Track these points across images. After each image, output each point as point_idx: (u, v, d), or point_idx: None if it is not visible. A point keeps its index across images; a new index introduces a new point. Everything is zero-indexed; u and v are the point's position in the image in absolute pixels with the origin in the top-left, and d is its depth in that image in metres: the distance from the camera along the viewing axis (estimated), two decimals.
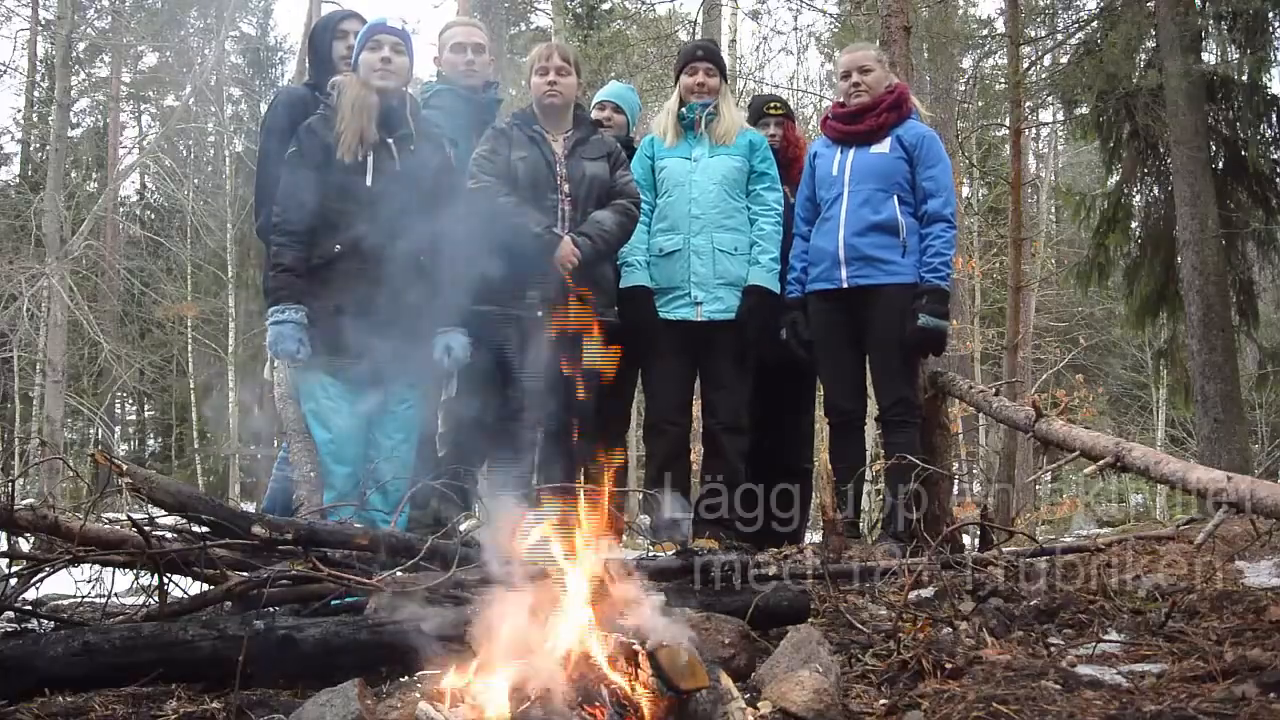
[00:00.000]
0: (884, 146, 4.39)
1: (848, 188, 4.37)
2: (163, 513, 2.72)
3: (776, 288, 4.46)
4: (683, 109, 4.56)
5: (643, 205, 4.43)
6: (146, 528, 2.65)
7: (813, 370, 4.74)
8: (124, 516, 2.90)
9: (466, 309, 3.86)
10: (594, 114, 4.82)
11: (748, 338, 4.45)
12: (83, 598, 3.12)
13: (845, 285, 4.33)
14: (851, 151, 4.42)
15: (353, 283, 3.59)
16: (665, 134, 4.57)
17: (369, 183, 3.63)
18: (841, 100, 4.59)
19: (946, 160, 4.48)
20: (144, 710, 2.04)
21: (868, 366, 4.58)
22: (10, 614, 2.70)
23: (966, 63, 14.26)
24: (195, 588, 2.74)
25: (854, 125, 4.43)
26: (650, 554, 3.73)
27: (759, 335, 4.48)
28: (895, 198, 4.33)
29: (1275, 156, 8.71)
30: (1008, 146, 10.40)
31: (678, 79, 4.68)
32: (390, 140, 3.70)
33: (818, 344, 4.45)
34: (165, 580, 2.65)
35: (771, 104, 5.05)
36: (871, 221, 4.30)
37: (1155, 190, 9.46)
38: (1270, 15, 8.45)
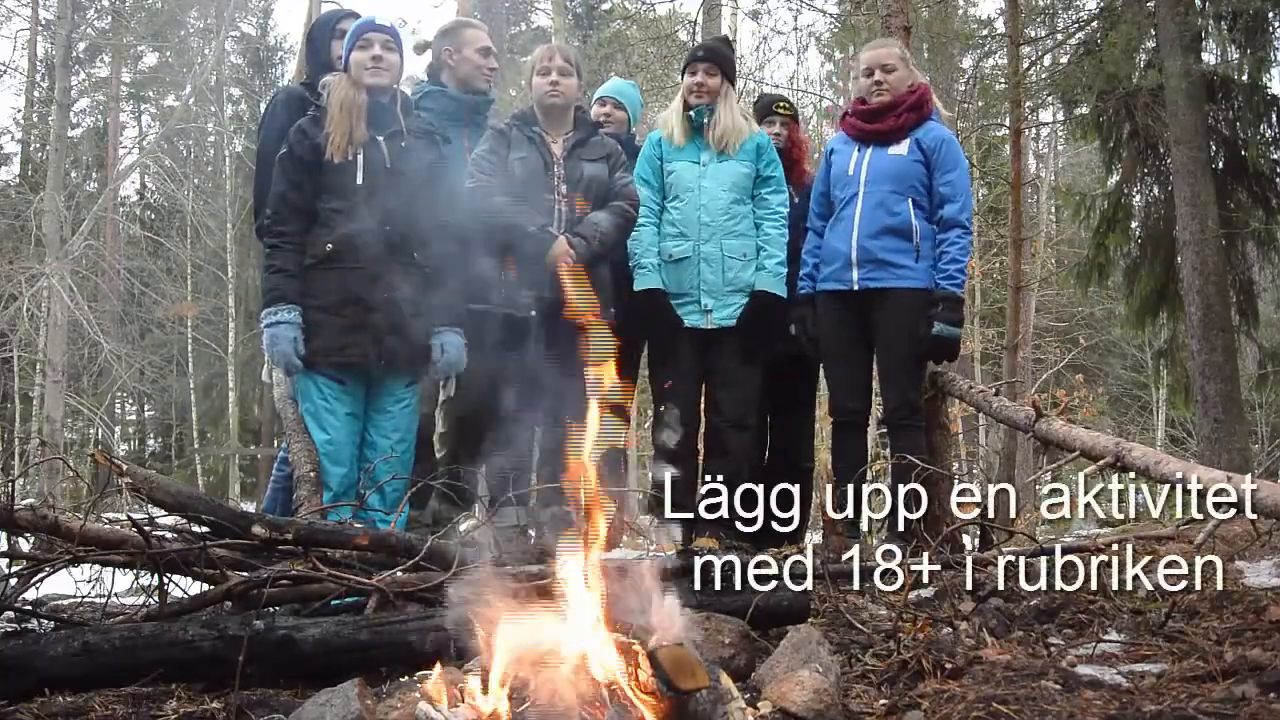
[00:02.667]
0: (902, 148, 4.32)
1: (863, 188, 4.32)
2: (163, 513, 2.72)
3: (783, 292, 4.43)
4: (690, 111, 4.51)
5: (651, 205, 4.42)
6: (146, 528, 2.65)
7: (816, 368, 4.74)
8: (124, 516, 2.89)
9: (462, 308, 3.86)
10: (594, 109, 4.81)
11: (753, 338, 4.44)
12: (83, 598, 3.12)
13: (856, 287, 4.30)
14: (869, 151, 4.36)
15: (346, 282, 3.58)
16: (673, 135, 4.52)
17: (359, 181, 3.62)
18: (862, 97, 4.52)
19: (964, 164, 4.41)
20: (144, 710, 2.04)
21: (875, 367, 4.57)
22: (10, 614, 2.69)
23: (966, 63, 14.26)
24: (195, 588, 2.74)
25: (873, 124, 4.36)
26: (651, 554, 3.73)
27: (764, 339, 4.47)
28: (910, 201, 4.28)
29: (1275, 156, 8.72)
30: (1008, 146, 10.40)
31: (683, 78, 4.66)
32: (380, 138, 3.69)
33: (825, 343, 4.43)
34: (165, 580, 2.65)
35: (780, 104, 5.02)
36: (885, 224, 4.26)
37: (1155, 190, 9.46)
38: (1270, 15, 8.46)
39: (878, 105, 4.38)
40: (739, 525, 4.42)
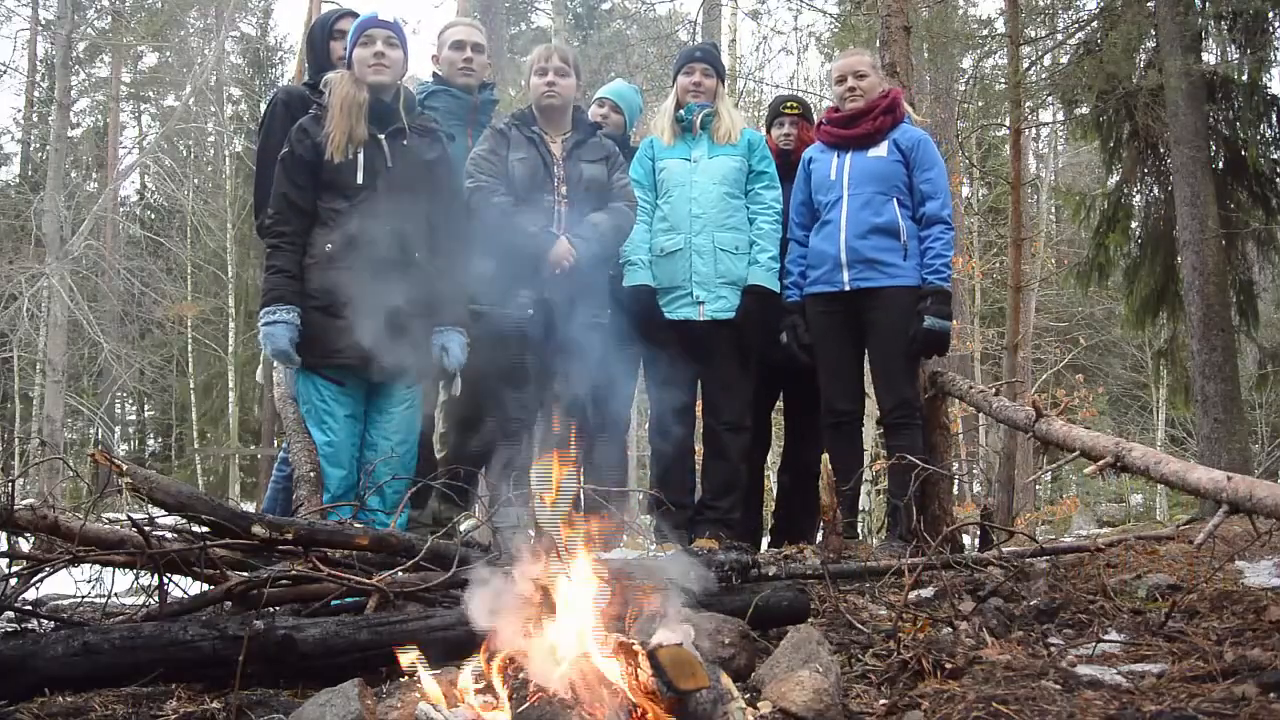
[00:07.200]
0: (881, 150, 4.40)
1: (847, 191, 4.38)
2: (163, 513, 2.71)
3: (776, 286, 4.47)
4: (680, 110, 4.57)
5: (643, 205, 4.44)
6: (146, 528, 2.65)
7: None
8: (124, 516, 2.89)
9: (464, 308, 3.86)
10: (593, 110, 4.82)
11: (748, 337, 4.45)
12: (83, 598, 3.12)
13: (847, 288, 4.34)
14: (849, 155, 4.43)
15: (346, 282, 3.56)
16: (663, 133, 4.58)
17: (359, 180, 3.60)
18: (835, 105, 4.61)
19: (942, 163, 4.51)
20: (144, 710, 2.04)
21: (868, 368, 4.58)
22: (10, 614, 2.69)
23: (966, 63, 14.25)
24: (195, 588, 2.74)
25: (850, 129, 4.45)
26: (652, 554, 3.73)
27: (760, 334, 4.49)
28: (895, 200, 4.35)
29: (1275, 156, 8.71)
30: (1008, 146, 10.39)
31: (675, 79, 4.70)
32: (382, 136, 3.67)
33: (817, 346, 4.46)
34: (165, 580, 2.65)
35: (789, 103, 5.06)
36: (873, 224, 4.32)
37: (1155, 190, 9.46)
38: (1270, 15, 8.45)
39: (852, 111, 4.45)
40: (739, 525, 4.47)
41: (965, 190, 16.98)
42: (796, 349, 4.48)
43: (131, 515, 2.79)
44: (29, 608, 2.74)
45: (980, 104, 14.41)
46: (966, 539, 4.78)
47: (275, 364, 3.87)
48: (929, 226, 4.33)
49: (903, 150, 4.38)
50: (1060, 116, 14.05)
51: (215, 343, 22.30)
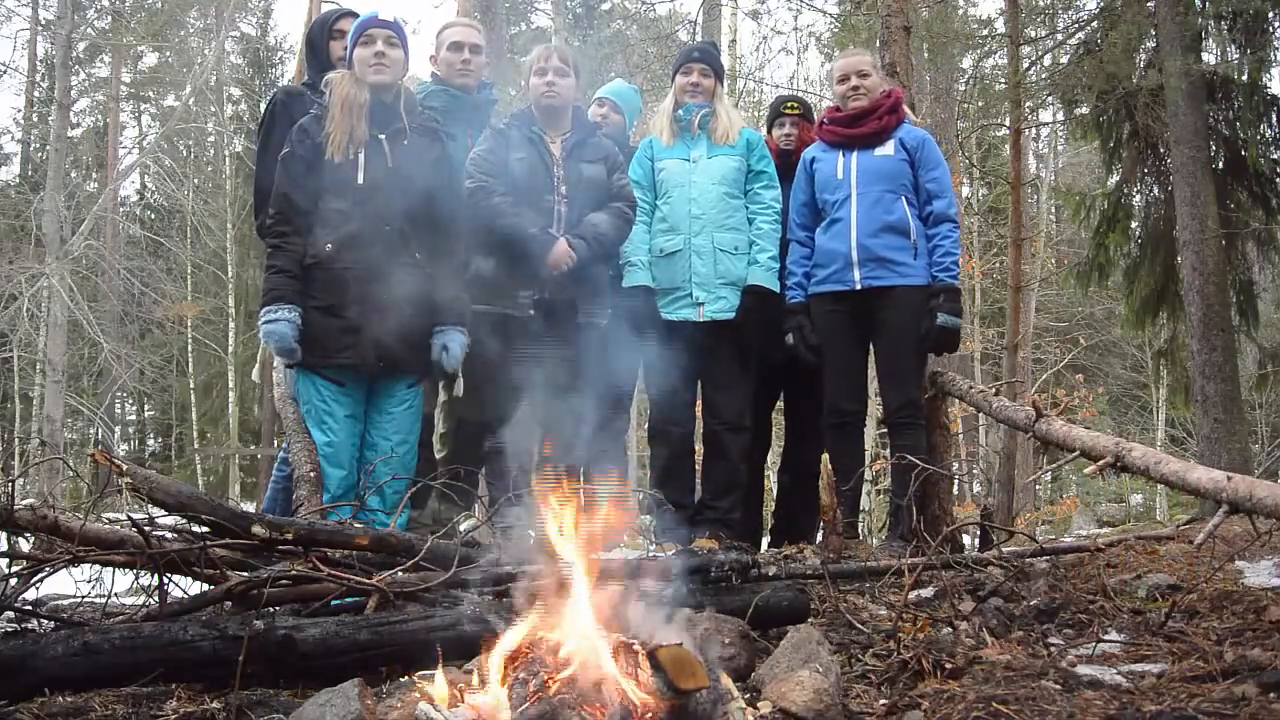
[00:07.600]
0: (888, 149, 4.41)
1: (856, 190, 4.38)
2: (163, 513, 2.71)
3: (776, 286, 4.46)
4: (679, 110, 4.57)
5: (642, 205, 4.44)
6: (146, 528, 2.65)
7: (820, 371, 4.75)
8: (124, 516, 2.89)
9: (465, 306, 3.86)
10: (592, 110, 4.82)
11: (748, 337, 4.45)
12: (83, 598, 3.12)
13: (858, 286, 4.34)
14: (854, 154, 4.43)
15: (346, 282, 3.56)
16: (661, 134, 4.58)
17: (360, 181, 3.60)
18: (837, 105, 4.61)
19: (945, 162, 4.52)
20: (144, 710, 2.04)
21: (873, 368, 4.58)
22: (10, 614, 2.69)
23: (966, 63, 14.26)
24: (195, 588, 2.74)
25: (855, 129, 4.44)
26: (652, 554, 3.73)
27: (760, 334, 4.48)
28: (903, 199, 4.36)
29: (1275, 156, 8.73)
30: (1008, 146, 10.41)
31: (674, 79, 4.70)
32: (382, 136, 3.67)
33: (825, 346, 4.45)
34: (165, 580, 2.65)
35: (789, 104, 5.06)
36: (885, 222, 4.32)
37: (1155, 190, 9.48)
38: (1270, 15, 8.46)
39: (855, 110, 4.45)
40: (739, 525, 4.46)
41: (965, 190, 16.99)
42: (803, 349, 4.47)
43: (131, 515, 2.79)
44: (29, 608, 2.74)
45: (980, 104, 14.42)
46: (966, 539, 4.78)
47: (274, 364, 3.86)
48: (937, 225, 4.34)
49: (908, 149, 4.39)
50: (1060, 116, 14.07)
51: (215, 343, 22.31)
